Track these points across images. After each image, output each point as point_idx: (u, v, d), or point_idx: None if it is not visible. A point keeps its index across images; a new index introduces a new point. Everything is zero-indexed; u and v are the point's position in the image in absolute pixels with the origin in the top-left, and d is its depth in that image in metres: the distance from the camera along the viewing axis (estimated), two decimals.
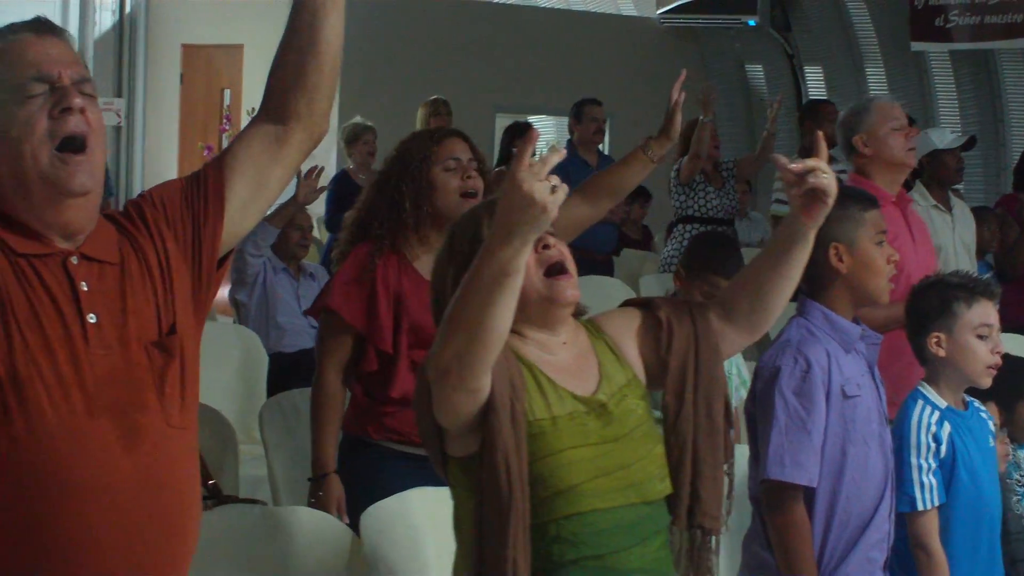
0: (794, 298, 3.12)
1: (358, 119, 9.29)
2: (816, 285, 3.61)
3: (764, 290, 2.92)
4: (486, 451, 2.70)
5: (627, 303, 3.12)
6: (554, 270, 2.86)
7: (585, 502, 2.76)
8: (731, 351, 3.01)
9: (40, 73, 2.40)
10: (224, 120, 14.14)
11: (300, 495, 4.45)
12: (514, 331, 2.68)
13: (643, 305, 3.04)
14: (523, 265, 2.48)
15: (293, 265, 7.15)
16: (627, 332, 3.00)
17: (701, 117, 8.30)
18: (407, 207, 4.04)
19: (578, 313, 3.01)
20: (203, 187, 2.57)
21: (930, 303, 3.81)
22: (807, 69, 14.14)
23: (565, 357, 2.91)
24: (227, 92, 13.79)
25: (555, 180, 2.38)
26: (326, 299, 4.09)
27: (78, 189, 2.40)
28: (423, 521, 3.56)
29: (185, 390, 2.48)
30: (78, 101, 2.40)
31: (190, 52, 13.96)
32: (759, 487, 3.50)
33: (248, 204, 2.60)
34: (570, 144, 8.69)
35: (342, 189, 8.58)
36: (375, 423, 4.03)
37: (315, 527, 3.55)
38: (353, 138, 9.10)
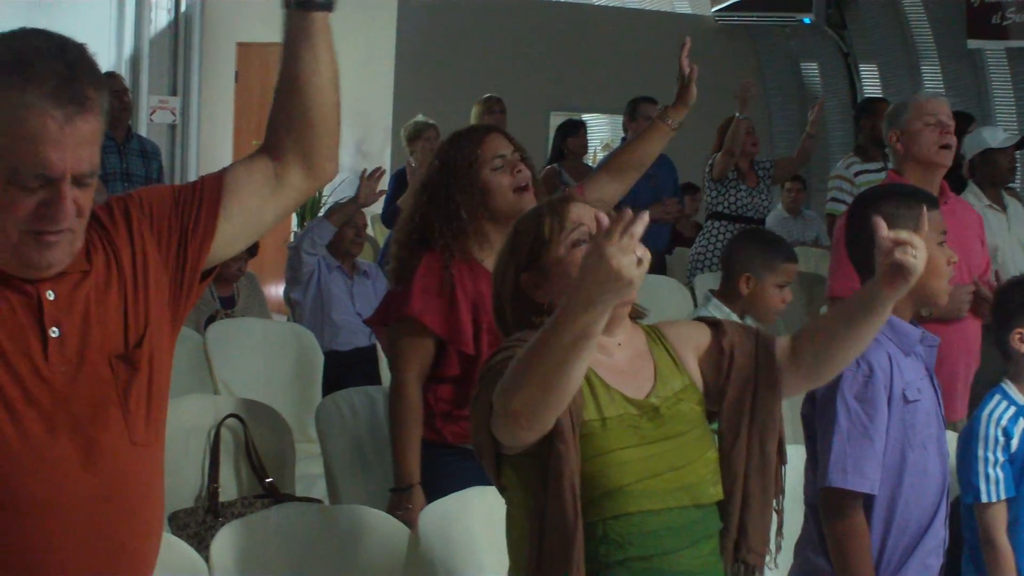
0: None
1: (420, 117, 9.32)
2: None
3: (833, 346, 2.89)
4: (552, 477, 2.69)
5: (698, 319, 3.11)
6: None
7: (633, 503, 2.75)
8: (788, 393, 2.99)
9: (43, 175, 2.23)
10: None
11: (356, 493, 4.46)
12: None
13: (714, 325, 3.02)
14: (602, 328, 2.43)
15: (347, 263, 7.17)
16: (691, 345, 2.98)
17: (737, 114, 8.27)
18: (464, 216, 4.00)
19: (637, 316, 3.01)
20: (199, 199, 2.47)
21: (1014, 300, 3.87)
22: (862, 67, 14.02)
23: (620, 359, 2.91)
24: None
25: (640, 251, 2.33)
26: (404, 308, 4.02)
27: (45, 266, 2.30)
28: (481, 520, 3.56)
29: (151, 405, 2.40)
30: (69, 207, 2.26)
31: (245, 50, 13.97)
32: (817, 493, 3.46)
33: (239, 232, 2.51)
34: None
35: (402, 186, 8.62)
36: (454, 426, 4.00)
37: (372, 526, 3.55)
38: (415, 135, 9.13)
